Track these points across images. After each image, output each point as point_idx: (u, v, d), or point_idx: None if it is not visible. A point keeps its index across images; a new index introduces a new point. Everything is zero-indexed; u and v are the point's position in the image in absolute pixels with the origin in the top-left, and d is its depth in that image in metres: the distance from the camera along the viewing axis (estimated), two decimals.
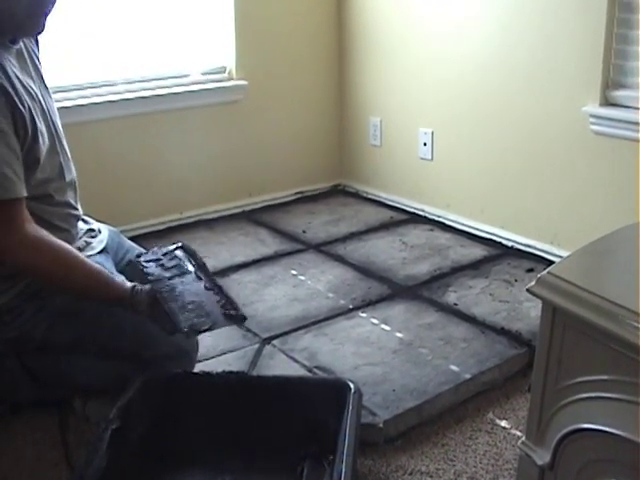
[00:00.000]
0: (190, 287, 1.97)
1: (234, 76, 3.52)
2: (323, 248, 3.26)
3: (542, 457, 1.07)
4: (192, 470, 1.86)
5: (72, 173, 2.14)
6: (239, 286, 2.87)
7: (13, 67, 1.90)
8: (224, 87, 3.48)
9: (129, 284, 1.97)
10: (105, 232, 2.29)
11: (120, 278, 2.00)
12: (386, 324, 2.56)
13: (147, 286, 1.96)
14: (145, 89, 3.31)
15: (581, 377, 0.99)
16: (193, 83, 3.42)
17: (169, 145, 3.41)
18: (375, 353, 2.37)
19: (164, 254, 2.14)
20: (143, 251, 2.34)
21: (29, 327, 1.99)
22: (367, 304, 2.72)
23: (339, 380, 2.01)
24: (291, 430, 1.89)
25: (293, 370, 2.29)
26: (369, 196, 3.88)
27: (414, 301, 2.74)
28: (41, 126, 1.94)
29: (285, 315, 2.64)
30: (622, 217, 2.69)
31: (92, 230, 2.23)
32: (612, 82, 2.76)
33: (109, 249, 2.25)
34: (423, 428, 2.09)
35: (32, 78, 2.01)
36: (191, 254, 2.13)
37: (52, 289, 1.99)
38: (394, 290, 2.84)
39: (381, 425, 2.02)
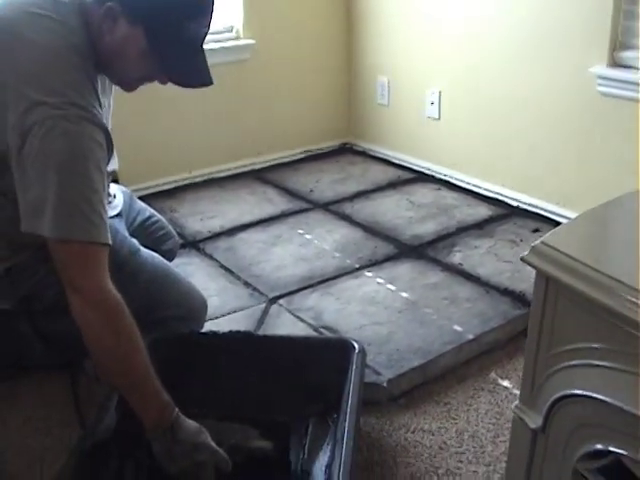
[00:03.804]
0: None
1: (241, 35, 3.52)
2: (330, 207, 3.28)
3: (535, 420, 1.10)
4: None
5: (115, 166, 2.10)
6: (246, 246, 2.90)
7: (101, 93, 1.84)
8: (232, 46, 3.48)
9: (172, 407, 1.70)
10: (120, 196, 2.30)
11: (166, 396, 1.70)
12: (391, 284, 2.58)
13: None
14: None
15: (572, 344, 1.01)
16: None
17: (177, 105, 3.41)
18: (380, 313, 2.40)
19: None
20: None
21: (41, 287, 2.00)
22: (373, 264, 2.75)
23: (343, 340, 2.04)
24: (296, 389, 1.93)
25: (299, 329, 2.32)
26: (377, 155, 3.88)
27: (420, 261, 2.76)
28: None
29: (292, 274, 2.67)
30: (628, 178, 2.71)
31: (108, 195, 2.24)
32: (620, 43, 2.73)
33: (122, 212, 2.27)
34: (426, 387, 2.12)
35: (107, 91, 1.98)
36: None
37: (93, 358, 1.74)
38: (400, 250, 2.86)
39: (385, 384, 2.06)
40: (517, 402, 1.17)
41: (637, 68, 2.69)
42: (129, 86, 1.90)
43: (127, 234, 2.18)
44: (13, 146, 1.64)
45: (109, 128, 1.96)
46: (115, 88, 2.00)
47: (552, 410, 1.06)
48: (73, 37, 1.74)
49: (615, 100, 2.74)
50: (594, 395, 0.97)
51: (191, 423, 1.70)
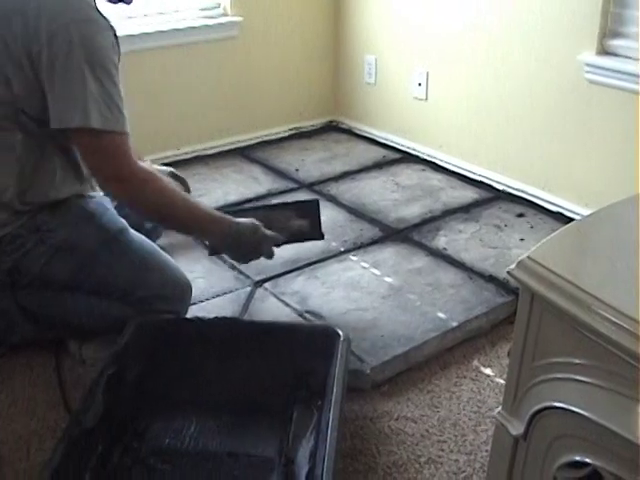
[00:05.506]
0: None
1: (229, 12, 3.50)
2: (316, 187, 3.28)
3: (516, 428, 1.13)
4: (185, 413, 1.91)
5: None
6: None
7: None
8: (219, 24, 3.45)
9: (229, 216, 2.15)
10: None
11: (220, 216, 2.15)
12: (376, 268, 2.60)
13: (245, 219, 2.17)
14: (139, 25, 3.29)
15: (555, 358, 1.03)
16: (187, 19, 3.40)
17: (164, 82, 3.40)
18: (365, 298, 2.42)
19: None
20: None
21: (28, 259, 2.03)
22: (358, 247, 2.76)
23: (329, 328, 2.05)
24: (281, 375, 1.95)
25: (284, 314, 2.34)
26: (363, 133, 3.89)
27: (404, 244, 2.78)
28: None
29: (277, 257, 2.61)
30: (613, 166, 2.74)
31: None
32: (609, 31, 2.73)
33: None
34: (409, 374, 2.14)
35: None
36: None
37: (155, 222, 2.28)
38: (385, 233, 2.87)
39: (368, 371, 2.08)
40: (499, 409, 1.19)
41: (626, 56, 2.69)
42: None
43: (116, 213, 2.21)
44: (39, 52, 1.84)
45: None
46: None
47: (533, 420, 1.08)
48: None
49: (603, 88, 2.74)
50: (573, 409, 0.99)
51: (247, 224, 2.14)
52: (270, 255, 2.21)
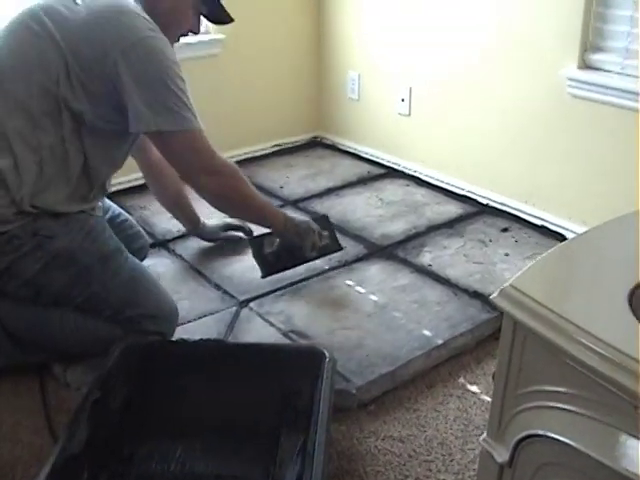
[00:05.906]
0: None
1: (211, 30, 3.49)
2: (300, 204, 3.27)
3: (502, 455, 1.12)
4: (172, 437, 1.90)
5: None
6: (217, 245, 2.89)
7: None
8: (201, 41, 3.44)
9: (284, 213, 2.49)
10: None
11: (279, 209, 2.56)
12: (361, 286, 2.60)
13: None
14: None
15: (538, 386, 1.03)
16: None
17: None
18: (350, 317, 2.41)
19: None
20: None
21: (23, 262, 2.03)
22: (343, 265, 2.75)
23: (314, 348, 2.04)
24: (267, 397, 1.94)
25: (269, 334, 2.33)
26: (347, 149, 3.89)
27: (389, 261, 2.78)
28: None
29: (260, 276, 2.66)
30: (596, 179, 2.75)
31: None
32: (591, 45, 2.74)
33: None
34: (396, 393, 2.13)
35: None
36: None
37: (232, 212, 2.50)
38: (370, 250, 2.87)
39: (354, 391, 2.07)
40: (485, 435, 1.19)
41: (607, 71, 2.70)
42: (174, 42, 2.22)
43: (112, 233, 2.23)
44: (115, 67, 1.97)
45: None
46: None
47: (518, 447, 1.08)
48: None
49: (585, 102, 2.75)
50: (558, 437, 0.99)
51: (294, 216, 2.53)
52: (317, 245, 2.55)
